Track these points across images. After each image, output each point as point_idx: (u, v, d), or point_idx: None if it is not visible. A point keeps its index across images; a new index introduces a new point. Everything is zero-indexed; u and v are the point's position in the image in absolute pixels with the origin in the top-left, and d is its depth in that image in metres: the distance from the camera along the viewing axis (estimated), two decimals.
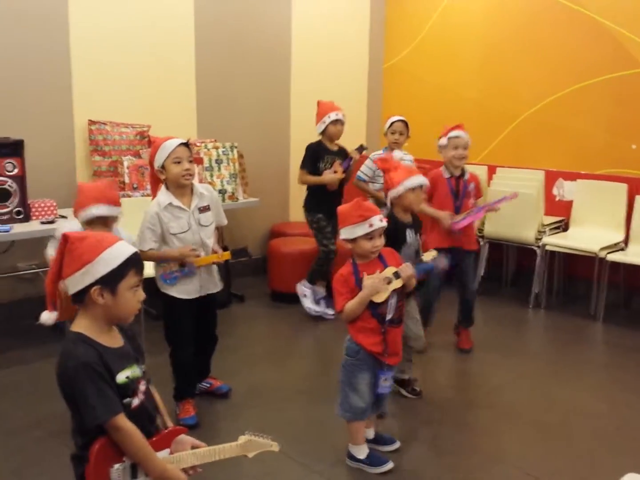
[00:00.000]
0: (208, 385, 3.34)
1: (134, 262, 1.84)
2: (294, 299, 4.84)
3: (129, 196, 4.34)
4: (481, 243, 5.18)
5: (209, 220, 3.06)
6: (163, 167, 2.91)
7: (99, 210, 2.85)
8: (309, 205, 4.62)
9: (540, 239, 4.97)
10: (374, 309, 2.59)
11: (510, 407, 3.36)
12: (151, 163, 2.96)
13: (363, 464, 2.71)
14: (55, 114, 4.40)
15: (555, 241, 4.93)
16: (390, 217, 3.09)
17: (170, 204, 2.94)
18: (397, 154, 4.66)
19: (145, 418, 1.87)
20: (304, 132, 5.82)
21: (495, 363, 3.91)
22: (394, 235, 2.99)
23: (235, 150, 4.88)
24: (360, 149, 4.60)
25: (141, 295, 1.85)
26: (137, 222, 4.03)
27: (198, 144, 4.82)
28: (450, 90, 6.02)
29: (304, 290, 4.65)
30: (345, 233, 2.59)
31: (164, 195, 2.95)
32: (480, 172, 5.50)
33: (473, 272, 4.10)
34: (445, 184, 3.86)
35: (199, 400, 3.26)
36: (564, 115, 5.33)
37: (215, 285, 3.15)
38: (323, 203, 4.52)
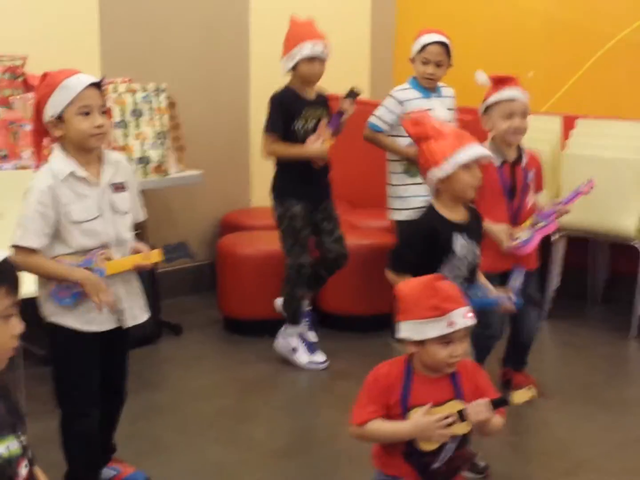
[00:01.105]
0: (114, 472, 3.29)
1: (3, 276, 1.85)
2: (261, 329, 4.86)
3: None
4: (554, 237, 5.17)
5: (126, 205, 3.09)
6: (60, 117, 2.90)
7: None
8: (281, 188, 4.58)
9: None
10: (411, 447, 2.58)
11: None
12: (38, 109, 2.96)
13: None
14: None
15: None
16: (427, 215, 3.12)
17: (72, 174, 2.93)
18: (445, 91, 4.67)
19: None
20: (270, 70, 5.78)
21: (575, 424, 3.92)
22: (432, 243, 2.97)
23: (163, 96, 4.87)
24: (352, 95, 4.51)
25: (17, 326, 1.87)
26: (10, 214, 4.01)
27: (104, 86, 4.78)
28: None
29: (290, 343, 4.62)
30: (408, 330, 2.57)
31: (60, 161, 2.95)
32: (551, 126, 5.52)
33: (537, 302, 4.15)
34: (496, 176, 3.84)
35: None
36: None
37: (142, 310, 3.18)
38: (302, 186, 4.50)
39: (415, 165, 4.39)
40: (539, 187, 4.07)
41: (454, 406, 2.55)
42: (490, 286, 2.95)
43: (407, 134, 4.42)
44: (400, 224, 4.58)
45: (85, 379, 3.05)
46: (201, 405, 4.11)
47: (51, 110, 2.91)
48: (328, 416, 4.08)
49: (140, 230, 3.07)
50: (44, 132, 3.01)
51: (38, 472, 2.01)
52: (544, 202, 4.07)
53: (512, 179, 3.89)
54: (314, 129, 4.45)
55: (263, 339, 4.81)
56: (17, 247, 2.89)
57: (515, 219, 3.88)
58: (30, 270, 2.92)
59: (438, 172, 3.01)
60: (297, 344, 4.59)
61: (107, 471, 3.27)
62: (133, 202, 3.15)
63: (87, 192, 2.96)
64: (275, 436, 3.88)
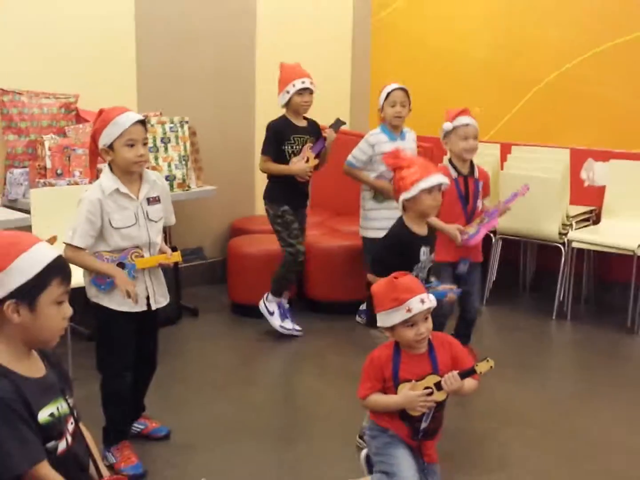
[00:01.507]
0: (142, 427, 3.30)
1: (58, 269, 1.82)
2: (260, 312, 4.83)
3: (51, 185, 4.30)
4: (493, 240, 5.21)
5: (159, 215, 3.09)
6: (111, 146, 2.91)
7: None
8: (271, 195, 4.61)
9: (565, 234, 5.01)
10: (405, 417, 2.60)
11: (530, 441, 3.38)
12: (94, 137, 2.97)
13: None
14: None
15: (584, 237, 4.98)
16: (401, 229, 3.13)
17: (116, 190, 2.94)
18: (408, 135, 4.70)
19: (75, 465, 1.88)
20: (273, 104, 5.82)
21: (510, 387, 3.94)
22: (404, 252, 3.01)
23: (186, 127, 4.87)
24: (337, 124, 4.56)
25: (67, 310, 1.84)
26: (64, 220, 4.01)
27: None
28: (453, 50, 6.05)
29: (268, 307, 4.65)
30: (380, 320, 2.61)
31: (109, 179, 2.96)
32: (492, 151, 5.56)
33: (479, 288, 4.20)
34: (453, 186, 3.85)
35: (133, 445, 3.22)
36: (595, 80, 5.37)
37: (164, 297, 3.16)
38: (290, 193, 4.52)
39: (381, 194, 4.50)
40: (486, 194, 4.11)
41: (432, 379, 2.57)
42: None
43: (375, 170, 4.55)
44: (366, 239, 4.63)
45: (121, 347, 3.05)
46: (213, 373, 4.12)
47: (104, 140, 2.91)
48: (315, 382, 4.08)
49: (165, 234, 3.05)
50: (97, 155, 3.03)
51: (83, 427, 2.00)
52: (488, 205, 4.11)
53: (466, 188, 3.95)
54: (300, 151, 4.48)
55: (262, 320, 4.76)
56: (68, 245, 2.92)
57: (470, 219, 3.95)
58: (76, 263, 2.92)
59: (406, 194, 3.03)
60: (275, 310, 4.62)
61: (136, 425, 3.29)
62: (165, 211, 3.14)
63: (127, 204, 2.97)
64: (273, 398, 3.88)
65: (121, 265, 2.99)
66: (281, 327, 4.60)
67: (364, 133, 6.21)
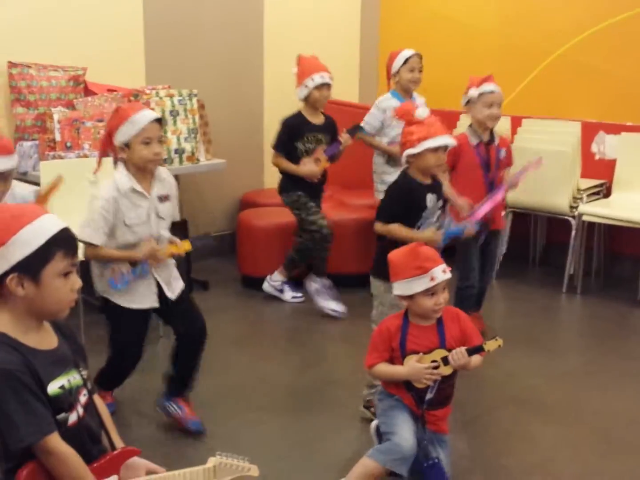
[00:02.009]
0: (179, 412, 3.21)
1: (63, 241, 1.81)
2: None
3: (61, 157, 4.31)
4: (503, 213, 5.20)
5: (168, 212, 3.12)
6: (127, 144, 2.93)
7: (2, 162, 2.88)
8: (285, 186, 4.61)
9: (575, 208, 5.00)
10: (410, 388, 2.62)
11: (537, 413, 3.40)
12: (110, 133, 2.98)
13: None
14: None
15: (595, 210, 4.96)
16: (404, 178, 3.15)
17: (131, 188, 2.97)
18: (418, 100, 4.67)
19: (87, 437, 1.88)
20: (280, 75, 5.82)
21: (519, 361, 3.95)
22: (410, 199, 3.03)
23: (194, 99, 4.84)
24: (354, 129, 4.52)
25: (76, 282, 1.83)
26: (71, 192, 4.03)
27: (148, 91, 4.77)
28: (463, 22, 6.01)
29: (275, 285, 4.71)
30: (399, 288, 2.60)
31: (124, 177, 2.98)
32: (502, 124, 5.50)
33: (496, 256, 4.19)
34: (474, 153, 3.87)
35: (154, 412, 3.27)
36: (607, 52, 5.33)
37: (177, 281, 3.19)
38: (303, 184, 4.52)
39: (393, 158, 4.49)
40: (509, 162, 4.07)
41: (439, 353, 2.58)
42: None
43: (387, 135, 4.54)
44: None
45: (134, 340, 3.12)
46: (223, 343, 4.13)
47: (120, 137, 2.93)
48: (325, 353, 4.14)
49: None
50: (109, 149, 3.03)
51: (96, 398, 2.00)
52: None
53: (487, 156, 3.92)
54: (313, 150, 4.46)
55: None
56: (85, 243, 2.94)
57: (491, 187, 3.89)
58: (98, 259, 3.00)
59: (412, 150, 3.04)
60: (283, 286, 4.68)
61: (174, 406, 3.20)
62: (173, 209, 3.17)
63: (141, 202, 3.00)
64: (283, 370, 3.91)
65: (134, 263, 3.01)
66: (326, 308, 4.58)
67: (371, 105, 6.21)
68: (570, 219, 4.99)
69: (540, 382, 3.74)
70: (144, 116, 2.92)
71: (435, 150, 3.05)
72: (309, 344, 4.29)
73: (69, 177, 4.12)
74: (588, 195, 5.12)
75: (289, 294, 4.73)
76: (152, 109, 4.62)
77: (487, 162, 3.92)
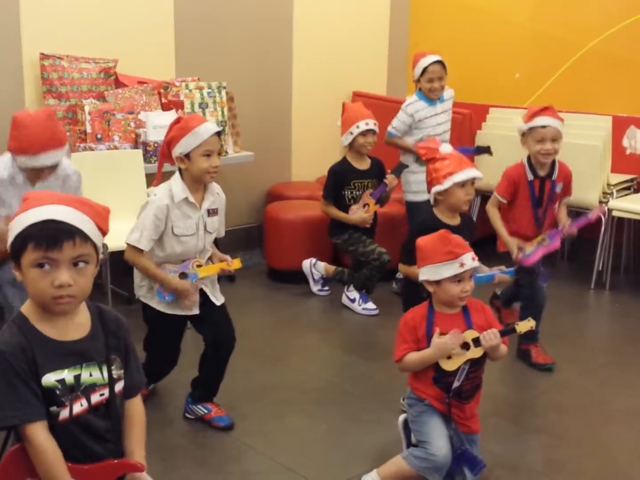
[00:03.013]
0: (205, 411, 3.23)
1: (34, 233, 1.75)
2: (297, 278, 4.92)
3: (91, 149, 4.36)
4: None
5: (215, 227, 3.14)
6: (187, 155, 2.96)
7: (50, 158, 2.96)
8: (334, 229, 4.65)
9: (605, 203, 4.97)
10: (438, 373, 2.61)
11: (564, 408, 3.40)
12: (169, 144, 3.00)
13: None
14: None
15: (625, 205, 4.94)
16: (431, 219, 3.13)
17: (185, 199, 3.00)
18: (447, 94, 4.65)
19: (84, 434, 1.85)
20: (308, 69, 5.85)
21: (548, 352, 3.92)
22: None
23: (223, 92, 4.88)
24: (399, 169, 4.55)
25: (57, 278, 1.74)
26: (104, 184, 4.08)
27: (177, 84, 4.82)
28: (494, 15, 5.98)
29: (349, 295, 4.68)
30: (427, 273, 2.60)
31: (179, 187, 3.00)
32: None
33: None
34: (527, 189, 3.74)
35: (180, 405, 3.31)
36: (639, 46, 5.27)
37: (217, 299, 3.21)
38: (350, 225, 4.55)
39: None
40: (566, 194, 3.88)
41: (470, 334, 2.58)
42: (484, 267, 2.99)
43: (415, 135, 4.57)
44: (409, 203, 4.71)
45: (170, 347, 3.19)
46: (250, 336, 4.13)
47: (181, 149, 2.95)
48: (352, 347, 4.14)
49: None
50: (167, 159, 3.07)
51: (132, 403, 1.96)
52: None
53: (541, 192, 3.76)
54: (360, 197, 4.50)
55: (298, 285, 4.89)
56: (130, 246, 2.98)
57: (541, 224, 3.78)
58: (137, 267, 3.04)
59: (439, 187, 3.02)
60: (356, 296, 4.64)
61: (201, 408, 3.23)
62: (219, 224, 3.19)
63: (191, 213, 3.02)
64: (310, 363, 3.94)
65: (183, 275, 3.05)
66: (364, 309, 4.60)
67: (401, 99, 6.20)
68: (600, 215, 4.95)
69: (568, 378, 3.74)
70: (206, 129, 2.95)
71: (463, 184, 3.03)
72: (336, 337, 4.31)
73: (100, 168, 4.23)
74: (618, 191, 5.09)
75: (359, 307, 4.64)
76: (182, 102, 4.70)
77: (540, 198, 3.76)
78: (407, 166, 4.61)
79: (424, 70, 4.57)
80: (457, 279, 2.56)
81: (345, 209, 4.52)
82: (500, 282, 3.14)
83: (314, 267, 4.84)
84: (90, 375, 1.84)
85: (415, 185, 4.62)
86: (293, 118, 5.88)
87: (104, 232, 1.85)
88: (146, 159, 4.47)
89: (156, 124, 4.52)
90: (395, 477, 2.65)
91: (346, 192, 4.51)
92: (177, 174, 3.04)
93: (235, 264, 3.16)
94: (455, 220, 3.15)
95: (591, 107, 5.47)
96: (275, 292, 4.92)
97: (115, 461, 1.87)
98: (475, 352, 2.57)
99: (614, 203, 4.93)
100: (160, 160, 3.13)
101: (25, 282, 1.78)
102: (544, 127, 3.63)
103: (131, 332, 1.99)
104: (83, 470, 1.83)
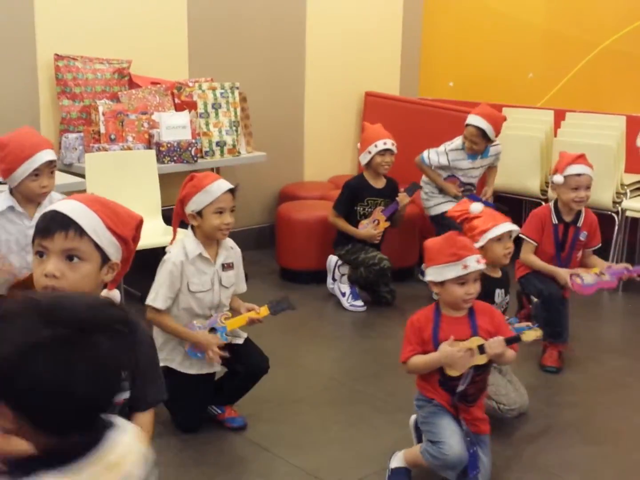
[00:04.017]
0: (219, 411, 3.24)
1: (39, 224, 1.80)
2: (309, 278, 4.93)
3: (105, 149, 4.39)
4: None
5: (231, 281, 3.13)
6: (199, 212, 2.97)
7: (49, 154, 2.93)
8: (339, 240, 4.68)
9: (619, 203, 4.97)
10: (443, 377, 2.64)
11: (576, 410, 3.40)
12: (183, 201, 3.01)
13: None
14: (12, 46, 4.44)
15: (639, 206, 4.93)
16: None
17: (199, 255, 3.01)
18: (492, 150, 4.72)
19: None
20: (321, 69, 5.86)
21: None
22: (481, 296, 2.92)
23: (236, 92, 4.90)
24: (412, 189, 4.62)
25: (45, 267, 1.75)
26: (117, 184, 4.10)
27: (190, 84, 4.84)
28: (508, 15, 5.97)
29: (341, 288, 4.70)
30: (432, 274, 2.62)
31: (192, 244, 3.02)
32: (546, 117, 5.50)
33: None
34: (550, 232, 3.78)
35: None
36: None
37: (240, 336, 3.21)
38: (356, 239, 4.59)
39: (449, 192, 4.68)
40: (594, 244, 3.88)
41: (475, 341, 2.59)
42: (529, 338, 2.90)
43: (447, 172, 4.71)
44: (432, 217, 4.85)
45: (194, 406, 3.12)
46: (262, 334, 4.16)
47: (193, 206, 2.96)
48: (364, 347, 4.15)
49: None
50: (181, 217, 3.06)
51: (138, 417, 1.89)
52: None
53: (564, 236, 3.78)
54: (370, 213, 4.57)
55: (310, 285, 4.91)
56: (148, 306, 2.99)
57: (562, 267, 3.75)
58: (159, 326, 3.03)
59: (476, 245, 2.95)
60: (347, 290, 4.66)
61: (214, 408, 3.24)
62: (237, 277, 3.17)
63: (206, 269, 3.03)
64: (322, 363, 3.95)
65: (212, 330, 3.05)
66: (352, 306, 4.63)
67: (414, 99, 6.22)
68: (613, 214, 4.95)
69: (579, 379, 3.73)
70: (219, 186, 2.96)
71: (499, 239, 3.03)
72: (348, 337, 4.33)
73: (114, 169, 4.26)
74: (632, 191, 5.08)
75: (345, 300, 4.68)
76: (195, 102, 4.72)
77: (563, 242, 3.78)
78: (420, 187, 4.69)
79: (466, 125, 4.64)
80: (461, 281, 2.57)
81: (355, 224, 4.58)
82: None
83: (338, 269, 4.76)
84: None
85: (433, 199, 4.79)
86: (305, 118, 5.89)
87: (122, 238, 1.83)
88: (159, 160, 4.49)
89: (169, 124, 4.54)
90: (415, 464, 2.72)
91: (358, 208, 4.58)
92: (189, 231, 3.05)
93: (263, 311, 3.13)
94: (497, 274, 3.14)
95: (605, 106, 5.46)
96: (287, 292, 4.88)
97: None
98: (480, 359, 2.59)
99: (627, 203, 4.92)
100: (175, 219, 3.11)
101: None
102: (579, 175, 3.68)
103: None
104: None
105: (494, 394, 3.10)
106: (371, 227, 4.54)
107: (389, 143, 4.51)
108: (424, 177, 4.86)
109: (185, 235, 3.06)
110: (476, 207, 2.97)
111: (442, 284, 2.60)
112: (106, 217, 1.80)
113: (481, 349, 2.58)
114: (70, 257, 1.75)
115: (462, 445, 2.59)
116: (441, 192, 4.77)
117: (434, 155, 4.73)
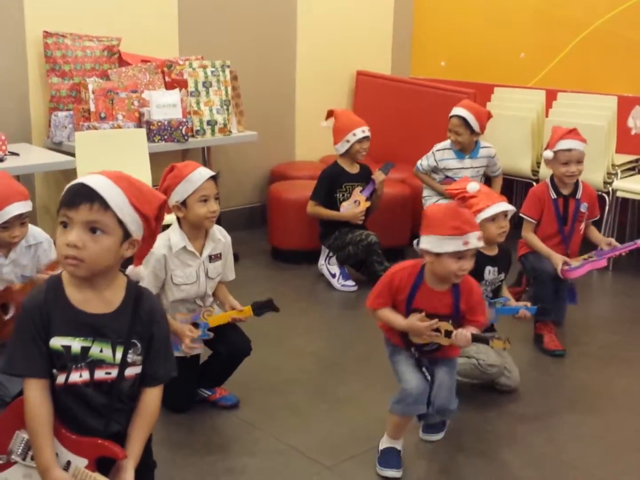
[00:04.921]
0: (209, 393, 3.23)
1: (65, 193, 1.82)
2: (300, 258, 4.93)
3: (95, 128, 4.35)
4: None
5: (218, 271, 3.11)
6: (184, 203, 2.93)
7: (19, 207, 2.84)
8: (324, 232, 4.69)
9: (610, 183, 4.97)
10: (404, 337, 2.70)
11: (562, 391, 3.41)
12: (164, 193, 2.91)
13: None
14: (0, 23, 4.38)
15: (630, 186, 4.93)
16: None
17: (184, 248, 2.99)
18: (483, 151, 4.74)
19: (78, 407, 1.87)
20: (312, 48, 5.82)
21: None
22: (471, 271, 2.92)
23: (227, 71, 4.86)
24: (386, 167, 4.64)
25: (67, 237, 1.78)
26: (106, 163, 4.06)
27: (181, 62, 4.80)
28: None
29: (330, 269, 4.69)
30: (428, 242, 2.57)
31: (177, 236, 2.99)
32: (537, 98, 5.48)
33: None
34: (552, 207, 3.80)
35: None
36: None
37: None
38: (340, 225, 4.60)
39: (444, 196, 4.58)
40: (592, 216, 3.92)
41: (445, 326, 2.62)
42: (511, 298, 3.08)
43: (441, 174, 4.69)
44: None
45: (184, 388, 3.06)
46: (252, 317, 4.18)
47: (176, 196, 2.92)
48: (354, 326, 4.15)
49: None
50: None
51: (147, 393, 1.94)
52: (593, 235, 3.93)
53: (565, 210, 3.80)
54: (350, 197, 4.59)
55: (301, 265, 4.91)
56: None
57: (567, 242, 3.81)
58: None
59: None
60: (336, 272, 4.66)
61: (204, 391, 3.23)
62: (224, 267, 3.14)
63: (191, 262, 3.00)
64: (312, 343, 3.94)
65: (195, 324, 3.03)
66: (343, 285, 4.63)
67: (406, 78, 6.19)
68: (604, 194, 4.96)
69: (570, 359, 3.73)
70: (200, 174, 2.92)
71: (494, 219, 3.05)
72: (339, 317, 4.33)
73: (104, 147, 4.22)
74: (623, 171, 5.08)
75: (337, 281, 4.67)
76: (186, 81, 4.68)
77: (565, 216, 3.81)
78: (393, 165, 4.70)
79: (449, 119, 4.65)
80: (458, 255, 2.54)
81: (338, 210, 4.60)
82: (521, 318, 3.14)
83: (329, 265, 4.73)
84: (101, 351, 1.85)
85: (430, 199, 4.79)
86: (297, 98, 5.86)
87: (145, 215, 1.85)
88: (150, 138, 4.46)
89: (160, 102, 4.51)
90: (393, 429, 2.76)
91: (338, 195, 4.61)
92: (175, 223, 3.01)
93: (246, 311, 3.10)
94: (492, 251, 3.16)
95: (596, 87, 5.45)
96: (278, 272, 4.93)
97: (100, 441, 1.88)
98: (443, 341, 2.64)
99: (618, 183, 4.93)
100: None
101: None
102: (569, 150, 3.71)
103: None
104: (70, 438, 1.87)
105: (475, 352, 3.15)
106: (353, 207, 4.56)
107: (366, 130, 4.55)
108: (423, 193, 4.88)
109: (171, 228, 3.02)
110: (473, 186, 2.97)
111: (437, 255, 2.56)
112: (131, 194, 1.83)
113: (448, 334, 2.61)
114: (93, 230, 1.78)
115: (418, 375, 2.69)
116: (441, 196, 4.73)
117: (424, 160, 4.78)
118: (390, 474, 2.72)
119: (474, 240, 2.54)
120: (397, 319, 2.66)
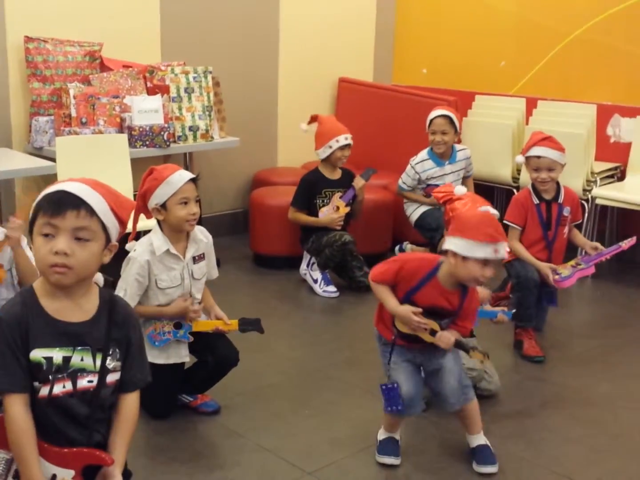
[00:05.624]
0: (191, 399, 3.22)
1: (44, 201, 1.81)
2: (282, 264, 4.92)
3: (76, 133, 4.33)
4: (515, 193, 5.20)
5: (202, 272, 3.10)
6: (163, 205, 2.91)
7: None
8: (304, 237, 4.68)
9: (589, 191, 5.00)
10: (400, 332, 2.74)
11: (545, 395, 3.43)
12: (144, 196, 2.94)
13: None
14: None
15: (609, 193, 4.96)
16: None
17: (167, 251, 2.96)
18: (460, 153, 4.78)
19: (61, 419, 1.86)
20: (295, 54, 5.83)
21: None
22: None
23: (209, 77, 4.86)
24: (367, 173, 4.65)
25: (55, 245, 1.76)
26: (88, 168, 4.05)
27: (163, 68, 4.79)
28: (481, 3, 5.96)
29: (312, 275, 4.68)
30: (456, 245, 2.56)
31: (159, 239, 2.96)
32: (518, 105, 5.52)
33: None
34: (534, 212, 3.80)
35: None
36: (623, 35, 5.30)
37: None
38: (320, 229, 4.59)
39: (436, 204, 4.57)
40: (575, 219, 3.91)
41: (433, 324, 2.65)
42: (488, 305, 3.14)
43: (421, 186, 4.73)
44: (416, 222, 4.82)
45: (165, 395, 3.07)
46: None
47: (156, 199, 2.90)
48: (337, 331, 4.16)
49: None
50: (143, 212, 2.99)
51: (124, 399, 1.94)
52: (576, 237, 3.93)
53: (548, 214, 3.80)
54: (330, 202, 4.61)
55: (283, 271, 4.90)
56: None
57: (551, 245, 3.81)
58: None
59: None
60: (318, 277, 4.65)
61: (186, 397, 3.22)
62: (208, 266, 3.14)
63: (175, 265, 2.98)
64: (294, 348, 3.95)
65: (178, 325, 3.02)
66: (325, 291, 4.62)
67: (388, 85, 6.21)
68: (583, 202, 4.97)
69: (550, 365, 3.75)
70: (180, 176, 2.90)
71: (485, 262, 3.04)
72: (321, 323, 4.33)
73: (85, 153, 4.21)
74: (602, 179, 5.12)
75: (319, 289, 4.65)
76: (168, 86, 4.67)
77: (548, 221, 3.80)
78: (375, 171, 4.70)
79: (430, 122, 4.67)
80: (485, 262, 2.54)
81: (317, 216, 4.60)
82: (498, 321, 3.14)
83: (311, 270, 4.71)
84: (82, 360, 1.84)
85: (411, 205, 4.83)
86: (279, 104, 5.86)
87: (122, 221, 1.87)
88: (131, 144, 4.44)
89: (141, 108, 4.50)
90: (389, 425, 2.85)
91: (318, 201, 4.61)
92: (156, 227, 2.99)
93: (232, 325, 3.09)
94: None
95: (576, 95, 5.49)
96: (260, 277, 4.92)
97: (86, 450, 1.86)
98: (426, 336, 2.68)
99: (597, 191, 4.95)
100: (136, 215, 2.99)
101: (33, 252, 1.83)
102: (538, 157, 3.71)
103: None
104: (53, 451, 1.84)
105: None
106: (331, 212, 4.56)
107: (349, 138, 4.56)
108: (406, 206, 4.89)
109: (152, 232, 3.00)
110: (460, 190, 2.99)
111: (464, 258, 2.55)
112: (110, 200, 1.84)
113: (433, 333, 2.66)
114: (78, 237, 1.78)
115: (412, 378, 2.75)
116: (429, 208, 4.76)
117: (405, 178, 4.79)
118: (389, 461, 2.82)
119: (503, 250, 2.55)
120: (391, 301, 2.68)
